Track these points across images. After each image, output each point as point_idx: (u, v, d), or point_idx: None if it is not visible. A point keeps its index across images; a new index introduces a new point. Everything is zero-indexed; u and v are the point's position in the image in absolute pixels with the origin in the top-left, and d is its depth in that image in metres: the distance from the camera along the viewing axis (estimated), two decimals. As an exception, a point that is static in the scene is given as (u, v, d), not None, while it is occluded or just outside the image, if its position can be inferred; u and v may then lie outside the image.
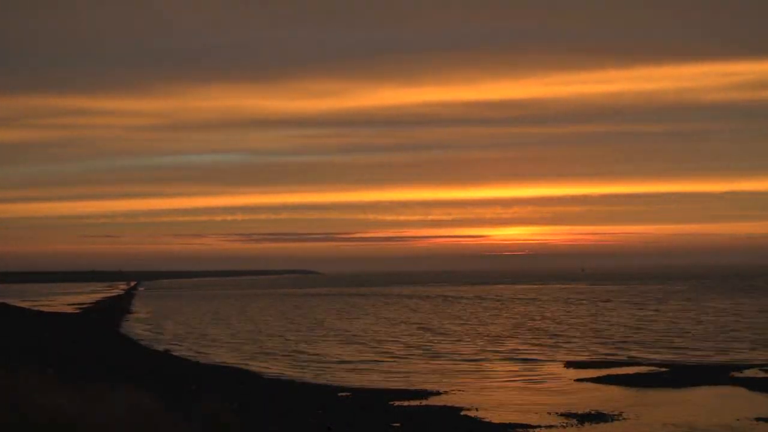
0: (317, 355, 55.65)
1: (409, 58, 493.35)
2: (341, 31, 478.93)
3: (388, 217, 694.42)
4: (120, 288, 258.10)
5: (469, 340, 64.88)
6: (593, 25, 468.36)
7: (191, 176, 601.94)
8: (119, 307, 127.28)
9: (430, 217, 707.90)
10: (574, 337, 65.98)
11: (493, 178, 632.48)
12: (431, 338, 67.14)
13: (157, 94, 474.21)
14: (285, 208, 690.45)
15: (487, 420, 30.23)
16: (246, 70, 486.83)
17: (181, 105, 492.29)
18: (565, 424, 29.25)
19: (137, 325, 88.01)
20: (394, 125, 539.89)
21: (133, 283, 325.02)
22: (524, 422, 29.70)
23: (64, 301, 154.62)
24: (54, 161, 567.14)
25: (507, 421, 29.94)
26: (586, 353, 53.68)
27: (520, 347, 58.31)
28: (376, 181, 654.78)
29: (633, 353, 53.06)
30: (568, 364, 47.50)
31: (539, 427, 28.90)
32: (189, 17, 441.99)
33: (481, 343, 62.25)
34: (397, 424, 28.65)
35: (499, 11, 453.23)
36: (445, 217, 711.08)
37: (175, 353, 56.28)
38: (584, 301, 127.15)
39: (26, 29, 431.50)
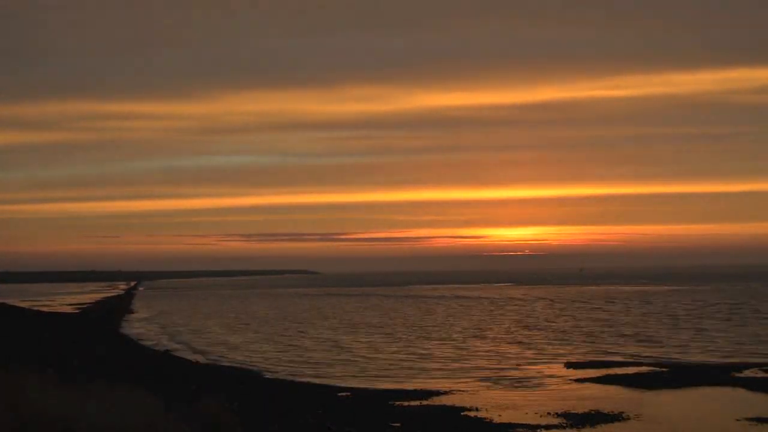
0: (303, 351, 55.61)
1: (432, 65, 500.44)
2: (375, 38, 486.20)
3: (398, 218, 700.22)
4: (120, 288, 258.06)
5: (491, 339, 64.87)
6: (620, 33, 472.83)
7: (206, 178, 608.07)
8: (119, 307, 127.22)
9: (440, 218, 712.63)
10: None
11: (509, 180, 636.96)
12: (437, 337, 67.16)
13: (195, 99, 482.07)
14: (288, 208, 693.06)
15: (487, 420, 30.21)
16: (285, 76, 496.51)
17: (218, 109, 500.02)
18: (565, 424, 29.24)
19: (137, 325, 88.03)
20: (410, 128, 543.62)
21: (133, 283, 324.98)
22: (524, 422, 29.68)
23: (64, 301, 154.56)
24: (78, 163, 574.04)
25: (507, 421, 29.93)
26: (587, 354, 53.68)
27: (521, 347, 58.30)
28: (379, 183, 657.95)
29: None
30: (569, 365, 47.48)
31: (539, 427, 28.88)
32: (227, 26, 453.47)
33: (485, 343, 62.27)
34: (397, 424, 28.63)
35: (529, 20, 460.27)
36: (457, 217, 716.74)
37: (175, 353, 56.25)
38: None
39: (77, 39, 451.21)
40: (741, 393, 36.59)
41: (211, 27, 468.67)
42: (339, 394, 36.79)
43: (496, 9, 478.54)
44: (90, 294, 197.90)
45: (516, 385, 40.23)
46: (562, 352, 54.89)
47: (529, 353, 54.27)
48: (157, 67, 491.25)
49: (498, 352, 55.23)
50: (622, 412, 31.34)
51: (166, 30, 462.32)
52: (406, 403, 33.75)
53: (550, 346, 58.38)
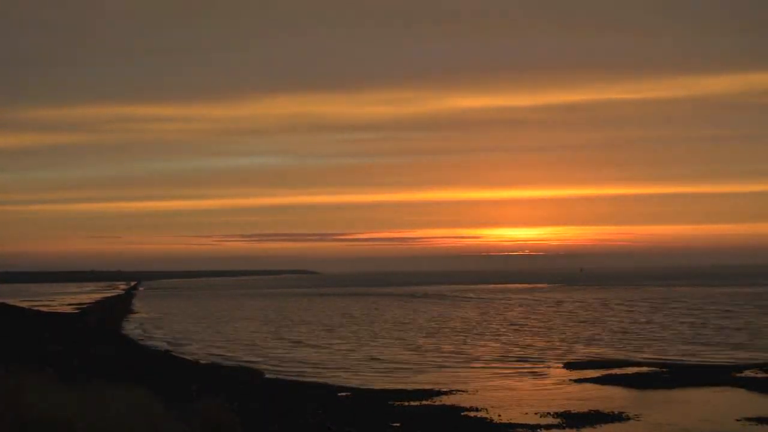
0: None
1: (438, 67, 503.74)
2: (381, 42, 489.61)
3: (398, 218, 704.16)
4: (120, 288, 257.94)
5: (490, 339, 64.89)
6: (641, 38, 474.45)
7: (206, 179, 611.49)
8: (119, 307, 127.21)
9: (440, 218, 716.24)
10: None
11: (509, 180, 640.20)
12: (439, 338, 67.16)
13: (198, 102, 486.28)
14: (288, 208, 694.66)
15: (487, 420, 30.19)
16: (292, 80, 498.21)
17: (220, 113, 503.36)
18: (565, 424, 29.23)
19: (138, 325, 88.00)
20: (411, 130, 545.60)
21: (133, 283, 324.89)
22: (524, 422, 29.67)
23: (64, 301, 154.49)
24: (77, 164, 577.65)
25: (507, 421, 29.92)
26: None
27: (521, 347, 58.31)
28: (379, 183, 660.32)
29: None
30: (568, 365, 47.47)
31: (539, 427, 28.88)
32: (257, 33, 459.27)
33: (484, 343, 62.29)
34: (397, 424, 28.62)
35: (549, 25, 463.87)
36: (457, 217, 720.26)
37: (175, 353, 56.24)
38: None
39: (113, 48, 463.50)
40: (741, 393, 36.58)
41: (231, 32, 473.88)
42: (339, 394, 36.78)
43: (513, 14, 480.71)
44: (90, 294, 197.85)
45: (516, 384, 40.23)
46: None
47: (533, 353, 54.32)
48: (162, 69, 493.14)
49: (499, 353, 55.27)
50: (622, 412, 31.32)
51: (177, 34, 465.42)
52: (406, 403, 33.73)
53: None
